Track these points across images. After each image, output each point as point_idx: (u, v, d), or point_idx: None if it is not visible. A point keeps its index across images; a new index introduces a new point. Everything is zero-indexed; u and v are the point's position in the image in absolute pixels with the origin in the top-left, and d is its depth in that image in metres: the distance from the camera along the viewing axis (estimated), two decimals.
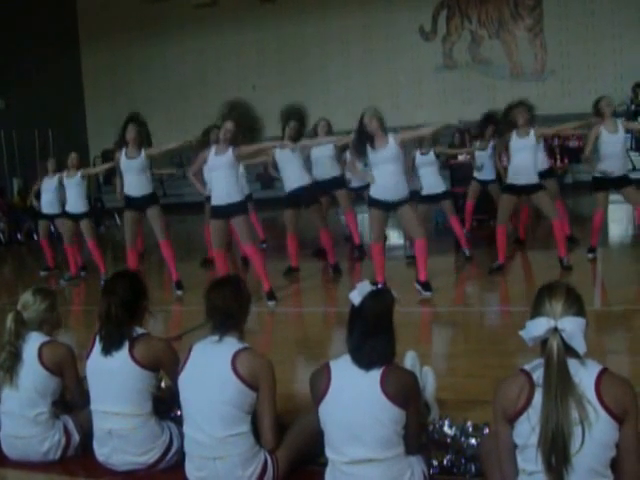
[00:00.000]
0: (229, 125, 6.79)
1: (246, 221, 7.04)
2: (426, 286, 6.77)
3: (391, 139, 6.56)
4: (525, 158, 7.40)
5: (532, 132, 7.43)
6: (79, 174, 9.07)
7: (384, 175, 6.58)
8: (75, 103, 22.91)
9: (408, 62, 20.42)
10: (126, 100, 22.50)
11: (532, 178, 7.42)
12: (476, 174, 9.56)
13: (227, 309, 3.28)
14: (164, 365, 3.58)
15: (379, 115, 6.62)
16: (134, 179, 7.64)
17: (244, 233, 6.96)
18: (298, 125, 7.97)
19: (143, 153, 7.59)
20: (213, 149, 6.93)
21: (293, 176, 7.99)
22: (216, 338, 3.26)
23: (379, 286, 3.08)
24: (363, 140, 6.60)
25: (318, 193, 8.27)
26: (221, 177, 6.82)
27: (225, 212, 6.84)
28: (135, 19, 22.15)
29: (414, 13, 20.36)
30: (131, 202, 7.74)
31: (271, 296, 6.93)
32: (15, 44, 19.65)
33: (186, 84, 22.14)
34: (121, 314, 3.53)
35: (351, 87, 20.68)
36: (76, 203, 9.08)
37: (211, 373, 3.19)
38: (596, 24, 18.77)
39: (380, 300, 2.98)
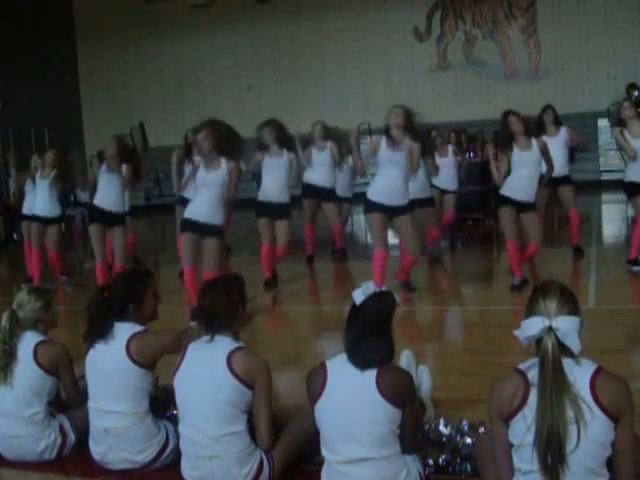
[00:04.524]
0: (201, 135, 6.31)
1: (219, 247, 6.43)
2: (408, 286, 6.83)
3: (408, 142, 6.39)
4: (527, 175, 6.75)
5: (534, 144, 6.78)
6: (52, 175, 8.44)
7: (386, 177, 6.46)
8: (71, 103, 22.89)
9: (402, 62, 20.44)
10: (122, 100, 22.54)
11: (529, 196, 6.80)
12: (436, 182, 9.18)
13: (214, 309, 3.27)
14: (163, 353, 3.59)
15: (408, 112, 6.46)
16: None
17: (212, 259, 6.31)
18: (275, 128, 7.70)
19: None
20: (202, 163, 6.39)
21: (270, 187, 7.67)
22: (208, 338, 3.27)
23: (383, 288, 3.08)
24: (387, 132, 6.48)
25: (289, 210, 7.83)
26: (206, 195, 6.34)
27: (200, 230, 6.33)
28: (131, 19, 22.14)
29: (408, 13, 20.38)
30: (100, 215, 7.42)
31: None
32: (11, 44, 19.62)
33: (182, 84, 22.13)
34: (110, 305, 3.58)
35: (346, 87, 20.70)
36: (47, 206, 8.49)
37: (207, 372, 3.19)
38: (590, 24, 18.81)
39: (382, 302, 2.99)
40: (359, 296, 2.98)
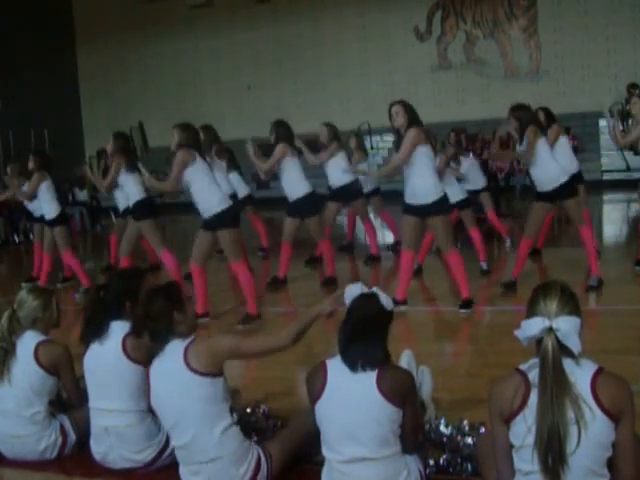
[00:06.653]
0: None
1: (232, 235, 6.33)
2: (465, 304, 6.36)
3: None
4: (534, 169, 6.66)
5: (525, 139, 6.58)
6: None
7: (406, 178, 6.18)
8: (71, 103, 22.91)
9: (403, 62, 20.43)
10: (122, 100, 22.55)
11: (549, 186, 6.62)
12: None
13: (150, 317, 3.23)
14: None
15: (409, 108, 6.09)
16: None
17: (229, 249, 6.33)
18: (281, 127, 7.53)
19: None
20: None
21: (290, 185, 7.57)
22: (160, 349, 3.23)
23: (374, 289, 3.06)
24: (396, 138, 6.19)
25: (317, 203, 7.79)
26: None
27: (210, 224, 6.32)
28: (131, 19, 22.14)
29: (409, 13, 20.38)
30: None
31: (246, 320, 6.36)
32: (11, 45, 19.64)
33: (182, 84, 22.13)
34: (106, 304, 3.59)
35: (346, 87, 20.69)
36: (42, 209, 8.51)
37: (173, 384, 3.15)
38: (590, 24, 18.80)
39: (367, 304, 2.97)
40: (347, 298, 2.99)
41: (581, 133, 17.70)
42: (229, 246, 6.29)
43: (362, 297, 2.99)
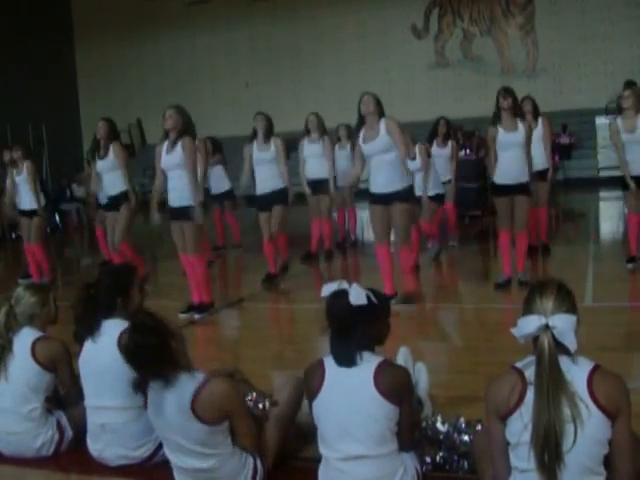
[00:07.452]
0: (169, 112, 6.30)
1: (195, 229, 6.39)
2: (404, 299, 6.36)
3: (382, 128, 6.12)
4: (512, 155, 6.59)
5: (521, 126, 6.58)
6: (25, 167, 8.44)
7: (377, 168, 6.20)
8: (69, 99, 22.91)
9: (400, 59, 20.45)
10: (120, 96, 22.54)
11: (519, 178, 6.61)
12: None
13: (150, 356, 3.05)
14: None
15: (376, 98, 6.21)
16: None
17: (190, 241, 6.41)
18: (266, 121, 7.59)
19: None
20: (164, 146, 6.43)
21: (263, 179, 7.60)
22: (161, 384, 3.08)
23: (351, 286, 2.95)
24: (358, 125, 6.28)
25: (287, 197, 7.68)
26: (175, 177, 6.37)
27: (179, 215, 6.40)
28: (129, 16, 22.15)
29: (406, 11, 20.39)
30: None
31: (201, 309, 6.51)
32: (10, 41, 19.60)
33: (179, 81, 22.13)
34: (96, 302, 3.58)
35: (344, 84, 20.69)
36: (28, 199, 8.49)
37: (173, 424, 3.08)
38: (587, 22, 18.83)
39: (335, 301, 2.92)
40: (325, 296, 2.98)
41: (578, 130, 17.72)
42: (192, 237, 6.37)
43: (331, 296, 2.94)
